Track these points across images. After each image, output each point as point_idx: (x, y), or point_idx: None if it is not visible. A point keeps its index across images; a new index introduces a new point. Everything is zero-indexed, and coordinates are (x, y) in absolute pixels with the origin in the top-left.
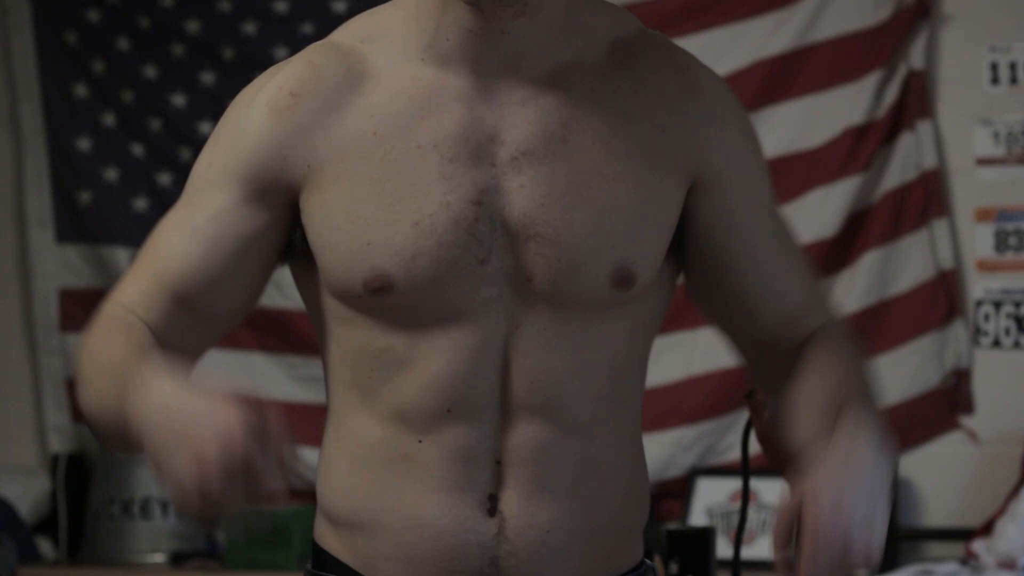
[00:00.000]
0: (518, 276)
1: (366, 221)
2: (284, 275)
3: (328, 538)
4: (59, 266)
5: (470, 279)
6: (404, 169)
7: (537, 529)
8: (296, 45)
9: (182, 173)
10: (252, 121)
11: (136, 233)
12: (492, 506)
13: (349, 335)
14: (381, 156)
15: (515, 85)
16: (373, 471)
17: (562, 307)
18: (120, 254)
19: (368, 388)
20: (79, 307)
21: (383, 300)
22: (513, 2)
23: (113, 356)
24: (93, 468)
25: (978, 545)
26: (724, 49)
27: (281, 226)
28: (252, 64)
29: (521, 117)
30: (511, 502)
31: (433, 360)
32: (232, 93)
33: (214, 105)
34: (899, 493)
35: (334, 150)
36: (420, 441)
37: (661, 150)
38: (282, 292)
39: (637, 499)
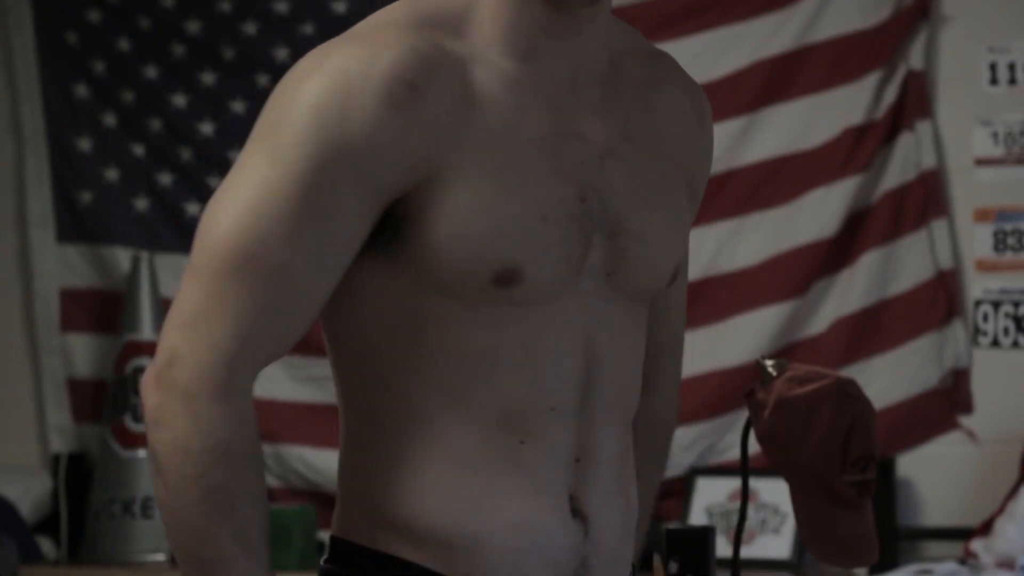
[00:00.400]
0: (602, 272)
1: (497, 214)
2: None
3: (402, 547)
4: (60, 266)
5: (575, 274)
6: (520, 163)
7: (614, 526)
8: (296, 45)
9: (182, 173)
10: (367, 116)
11: (136, 233)
12: (574, 506)
13: (443, 333)
14: (495, 148)
15: (585, 86)
16: (474, 477)
17: (629, 301)
18: (121, 254)
19: (464, 389)
20: (79, 307)
21: (510, 293)
22: (595, 1)
23: (234, 525)
24: (94, 468)
25: (977, 545)
26: (724, 49)
27: (370, 228)
28: (252, 64)
29: (596, 117)
30: (590, 501)
31: (541, 356)
32: (232, 93)
33: (214, 105)
34: (898, 493)
35: (452, 142)
36: (522, 442)
37: (682, 161)
38: None
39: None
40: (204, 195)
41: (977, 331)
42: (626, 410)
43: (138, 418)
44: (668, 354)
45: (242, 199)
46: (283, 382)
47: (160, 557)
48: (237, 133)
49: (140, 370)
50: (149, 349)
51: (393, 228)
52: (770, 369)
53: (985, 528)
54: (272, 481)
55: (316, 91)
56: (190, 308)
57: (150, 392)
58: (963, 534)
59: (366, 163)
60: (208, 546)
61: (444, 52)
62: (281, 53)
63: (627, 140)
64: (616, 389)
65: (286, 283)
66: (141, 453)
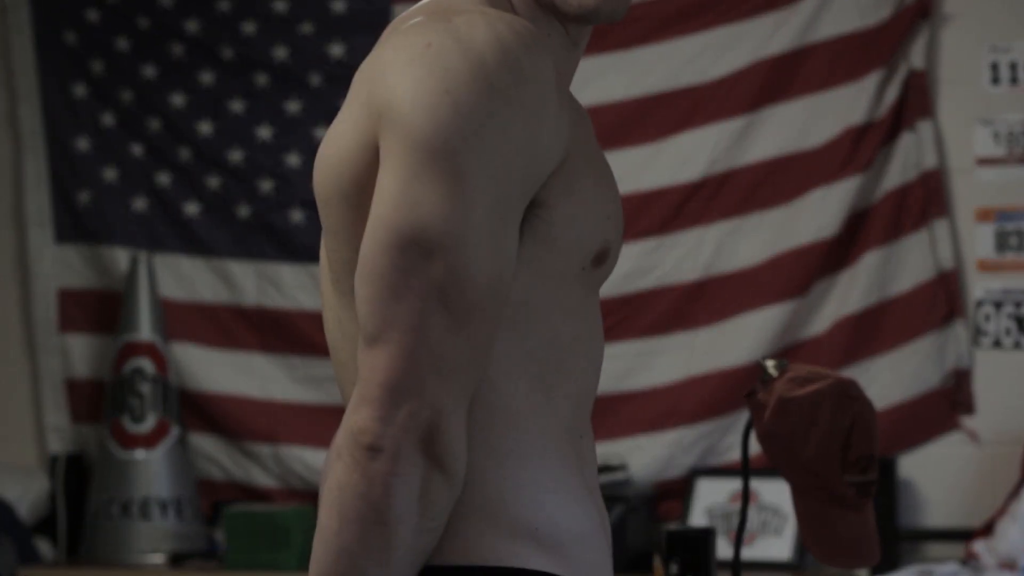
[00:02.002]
0: None
1: (603, 195)
2: (283, 275)
3: (528, 556)
4: (58, 266)
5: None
6: (596, 148)
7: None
8: (296, 45)
9: (181, 173)
10: (548, 111)
11: (135, 233)
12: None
13: (541, 325)
14: (582, 130)
15: (573, 93)
16: (575, 477)
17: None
18: (119, 254)
19: (555, 384)
20: (78, 307)
21: (595, 275)
22: (619, 19)
23: None
24: (92, 468)
25: (979, 546)
26: (724, 49)
27: None
28: (252, 64)
29: (580, 121)
30: (597, 490)
31: (598, 351)
32: (231, 93)
33: (213, 105)
34: (899, 493)
35: (573, 125)
36: (581, 437)
37: None
38: (282, 292)
39: None
40: (203, 195)
41: (978, 331)
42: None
43: (136, 419)
44: None
45: (466, 227)
46: (283, 382)
47: (159, 558)
48: (236, 133)
49: (138, 370)
50: (147, 350)
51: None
52: (771, 370)
53: (987, 529)
54: (271, 481)
55: (488, 94)
56: (443, 356)
57: (411, 448)
58: (964, 535)
59: (543, 161)
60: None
61: None
62: (280, 53)
63: (587, 134)
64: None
65: (503, 313)
66: (139, 454)
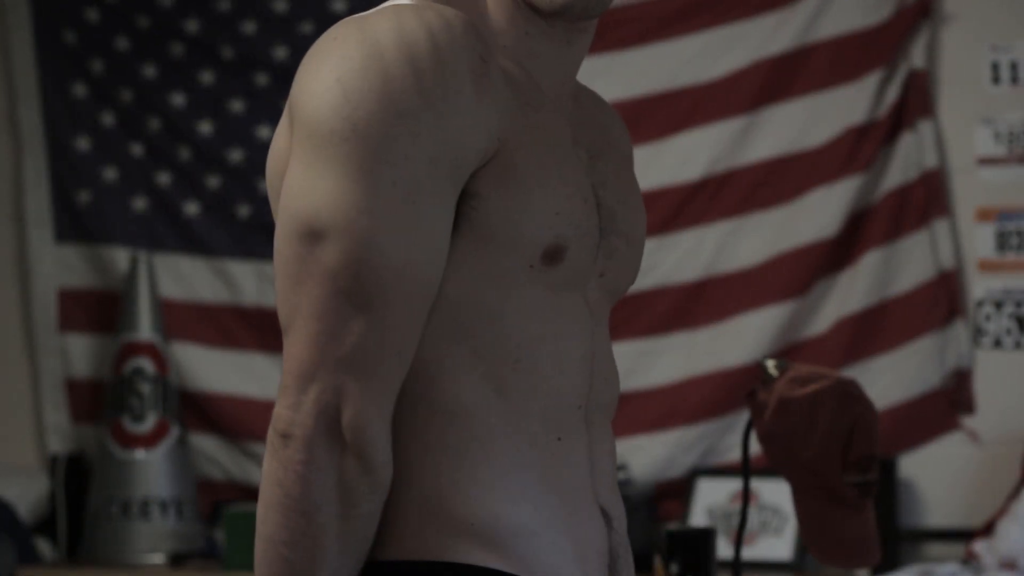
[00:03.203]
0: (597, 269)
1: (553, 190)
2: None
3: (467, 551)
4: (58, 266)
5: (594, 264)
6: (558, 144)
7: (621, 520)
8: (296, 44)
9: (181, 173)
10: (460, 97)
11: (135, 233)
12: (598, 502)
13: (493, 326)
14: (536, 125)
15: (566, 93)
16: (529, 475)
17: (607, 302)
18: (119, 254)
19: (511, 383)
20: (78, 307)
21: (551, 274)
22: (596, 16)
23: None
24: (92, 468)
25: (979, 546)
26: (724, 49)
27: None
28: (252, 64)
29: (581, 123)
30: (605, 496)
31: (573, 353)
32: (231, 93)
33: (214, 105)
34: (900, 493)
35: (510, 117)
36: (559, 439)
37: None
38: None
39: None
40: (203, 195)
41: (979, 331)
42: (613, 407)
43: (136, 419)
44: None
45: (377, 218)
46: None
47: (159, 558)
48: (236, 133)
49: (138, 370)
50: (147, 350)
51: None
52: (771, 370)
53: (987, 529)
54: None
55: (401, 85)
56: (352, 344)
57: (316, 434)
58: (965, 535)
59: (462, 149)
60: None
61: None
62: (280, 52)
63: (600, 149)
64: (605, 386)
65: (431, 296)
66: (139, 454)
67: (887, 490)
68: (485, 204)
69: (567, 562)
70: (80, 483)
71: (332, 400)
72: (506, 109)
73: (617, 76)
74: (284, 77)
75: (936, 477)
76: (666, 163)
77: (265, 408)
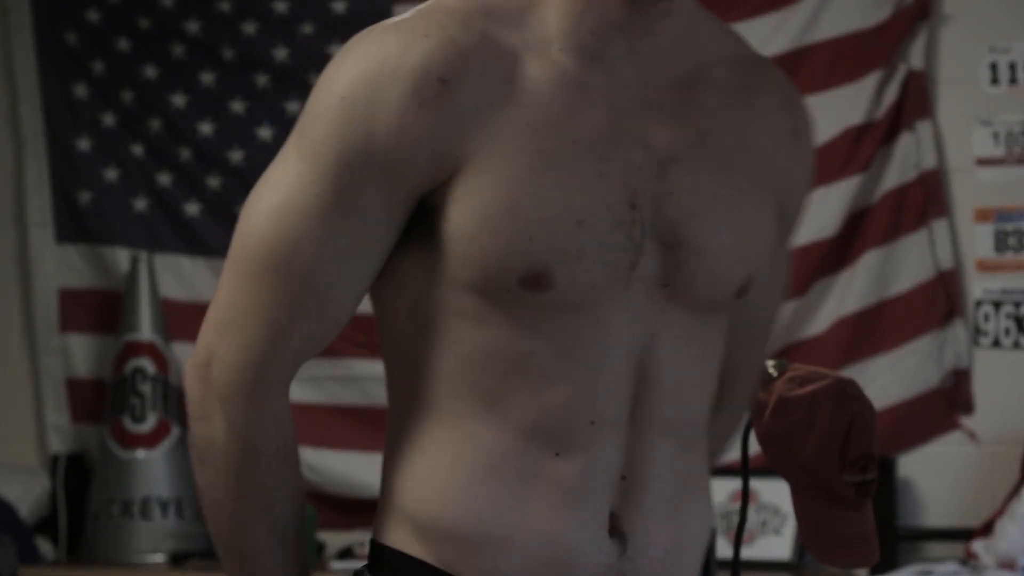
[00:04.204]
0: (656, 283)
1: (527, 215)
2: None
3: (414, 544)
4: (59, 266)
5: (621, 284)
6: (562, 163)
7: (658, 547)
8: (296, 45)
9: (182, 173)
10: (394, 113)
11: (136, 233)
12: (613, 524)
13: (478, 335)
14: (536, 148)
15: (654, 88)
16: (502, 483)
17: (693, 313)
18: (120, 254)
19: (499, 394)
20: (79, 307)
21: (541, 298)
22: None
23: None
24: (93, 468)
25: (978, 545)
26: None
27: (404, 221)
28: (252, 64)
29: (662, 122)
30: (633, 520)
31: (581, 368)
32: (232, 93)
33: (214, 105)
34: (899, 493)
35: (486, 139)
36: (557, 454)
37: (769, 174)
38: None
39: (712, 514)
40: (203, 195)
41: (978, 331)
42: (686, 428)
43: (137, 418)
44: (739, 373)
45: (275, 196)
46: None
47: (160, 558)
48: (237, 133)
49: (139, 370)
50: (148, 350)
51: (427, 220)
52: (771, 370)
53: (986, 529)
54: None
55: (347, 82)
56: (226, 307)
57: (193, 385)
58: (964, 535)
59: (391, 158)
60: (244, 537)
61: (492, 43)
62: (281, 53)
63: (700, 146)
64: (674, 406)
65: (317, 283)
66: (140, 454)
67: (886, 489)
68: (445, 222)
69: (522, 570)
70: (81, 483)
71: (204, 358)
72: (478, 128)
73: None
74: (284, 78)
75: (935, 477)
76: None
77: None
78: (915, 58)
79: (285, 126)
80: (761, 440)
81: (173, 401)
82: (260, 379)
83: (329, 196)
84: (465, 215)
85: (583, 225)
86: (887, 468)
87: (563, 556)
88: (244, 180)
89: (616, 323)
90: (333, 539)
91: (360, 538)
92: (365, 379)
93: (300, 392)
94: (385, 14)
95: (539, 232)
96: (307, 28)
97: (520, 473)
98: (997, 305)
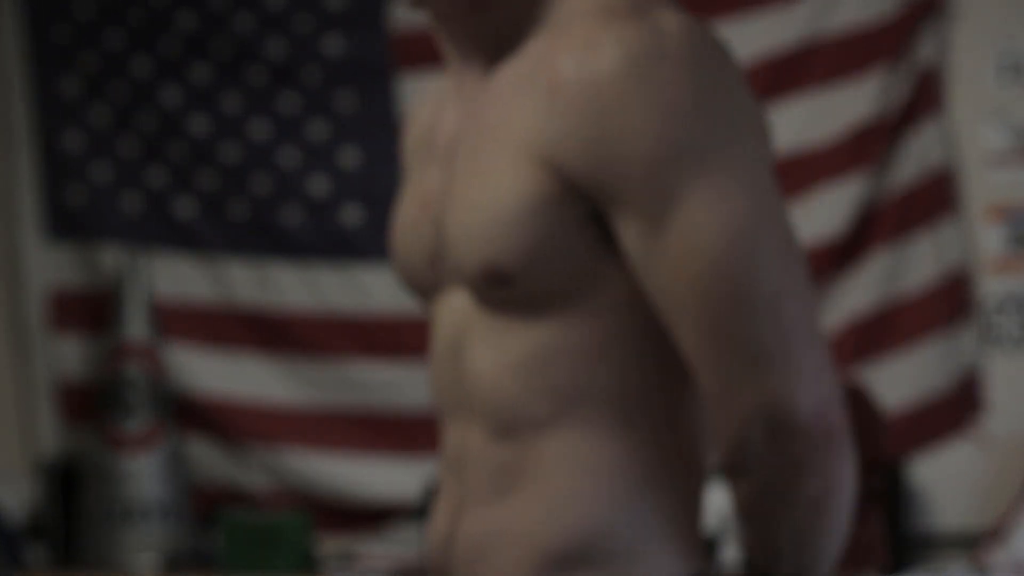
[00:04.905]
0: (444, 265)
1: (400, 208)
2: (279, 275)
3: None
4: (49, 265)
5: (430, 270)
6: (418, 167)
7: (469, 536)
8: (292, 39)
9: (175, 169)
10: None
11: (127, 231)
12: (455, 502)
13: None
14: (425, 141)
15: (468, 82)
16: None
17: (486, 308)
18: (111, 253)
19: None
20: (69, 307)
21: (409, 291)
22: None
23: None
24: (84, 472)
25: (989, 549)
26: (729, 44)
27: None
28: (247, 58)
29: (463, 115)
30: (460, 506)
31: (433, 355)
32: (227, 88)
33: (208, 100)
34: (908, 497)
35: (413, 145)
36: (443, 436)
37: (526, 139)
38: (278, 292)
39: (595, 516)
40: (197, 192)
41: (989, 331)
42: (502, 420)
43: (128, 421)
44: (689, 365)
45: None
46: (279, 384)
47: (151, 562)
48: (231, 129)
49: (131, 372)
50: (140, 351)
51: None
52: None
53: (997, 532)
54: (267, 486)
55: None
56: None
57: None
58: (974, 538)
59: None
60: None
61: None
62: (276, 47)
63: (478, 134)
64: (484, 396)
65: None
66: (132, 457)
67: (895, 493)
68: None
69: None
70: (72, 487)
71: None
72: (414, 139)
73: None
74: (280, 73)
75: (945, 479)
76: None
77: (260, 411)
78: (925, 53)
79: (280, 122)
80: None
81: (166, 403)
82: None
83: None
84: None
85: (408, 218)
86: (896, 471)
87: (433, 532)
88: (239, 177)
89: (442, 312)
90: (332, 545)
91: (359, 545)
92: (367, 383)
93: (297, 394)
94: (380, 8)
95: (396, 231)
96: (302, 22)
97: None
98: (1008, 305)
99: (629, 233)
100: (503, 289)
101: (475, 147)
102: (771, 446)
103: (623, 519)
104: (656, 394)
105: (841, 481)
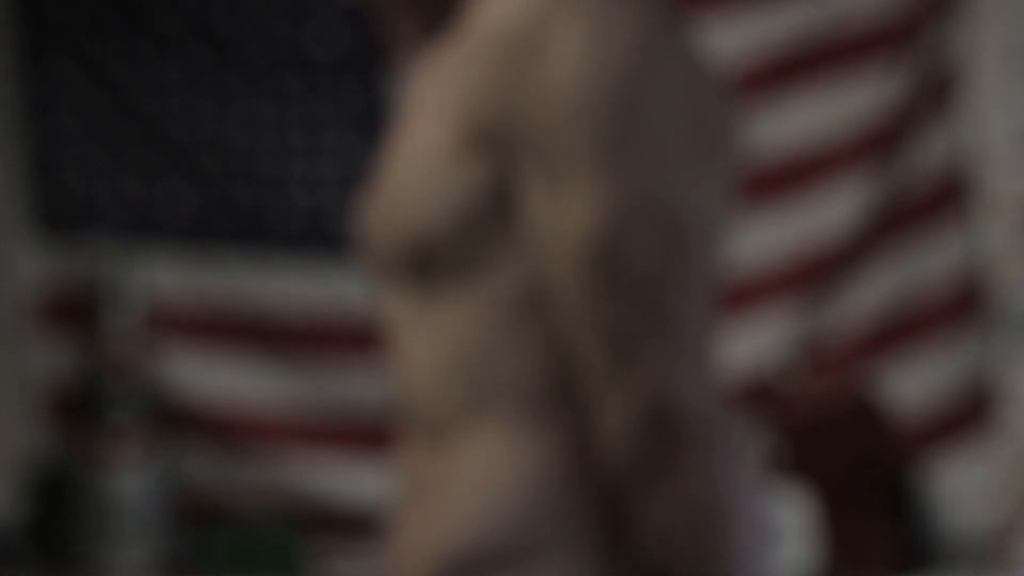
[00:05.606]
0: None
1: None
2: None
3: None
4: (38, 261)
5: (367, 264)
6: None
7: (398, 541)
8: (300, 20)
9: (173, 157)
10: None
11: (121, 227)
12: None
13: None
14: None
15: (422, 70)
16: None
17: (411, 295)
18: (104, 249)
19: None
20: (59, 306)
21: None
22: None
23: None
24: (72, 477)
25: (1005, 552)
26: (739, 38)
27: None
28: (250, 41)
29: (412, 104)
30: (403, 500)
31: (396, 353)
32: (229, 71)
33: (209, 85)
34: (922, 500)
35: None
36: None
37: (459, 99)
38: (276, 293)
39: (502, 520)
40: (194, 183)
41: (1007, 332)
42: (426, 423)
43: (120, 426)
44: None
45: None
46: (276, 388)
47: (142, 572)
48: (234, 116)
49: (122, 373)
50: (133, 352)
51: None
52: (788, 373)
53: (1013, 536)
54: (262, 493)
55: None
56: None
57: None
58: (989, 540)
59: None
60: None
61: None
62: (281, 32)
63: (420, 110)
64: (409, 396)
65: None
66: (122, 463)
67: (909, 497)
68: None
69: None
70: (60, 492)
71: None
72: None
73: None
74: (285, 57)
75: (959, 481)
76: None
77: (257, 414)
78: (941, 47)
79: (285, 107)
80: (785, 448)
81: (160, 407)
82: None
83: None
84: None
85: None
86: (910, 475)
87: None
88: (242, 166)
89: (387, 303)
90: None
91: (353, 551)
92: (365, 387)
93: (294, 396)
94: None
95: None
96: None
97: None
98: None
99: (531, 197)
100: (415, 261)
101: (410, 127)
102: (644, 438)
103: (532, 521)
104: (572, 389)
105: (733, 489)
